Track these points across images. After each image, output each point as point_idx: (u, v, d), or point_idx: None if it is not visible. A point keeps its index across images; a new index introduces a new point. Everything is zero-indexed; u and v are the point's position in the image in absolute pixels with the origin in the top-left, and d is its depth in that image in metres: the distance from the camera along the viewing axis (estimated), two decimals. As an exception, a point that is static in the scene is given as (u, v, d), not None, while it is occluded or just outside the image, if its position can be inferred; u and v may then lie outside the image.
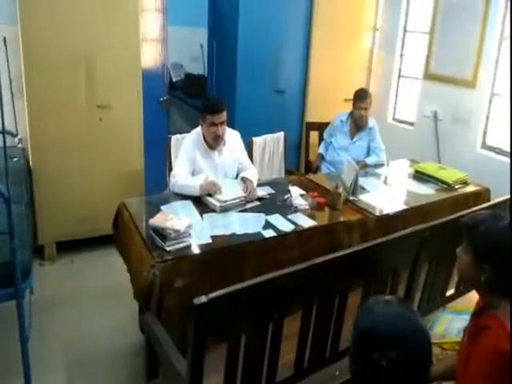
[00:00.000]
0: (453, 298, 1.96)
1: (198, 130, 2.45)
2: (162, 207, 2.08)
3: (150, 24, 3.23)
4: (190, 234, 1.80)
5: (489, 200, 2.70)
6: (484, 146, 3.38)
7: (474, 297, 1.38)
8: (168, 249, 1.72)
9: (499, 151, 3.26)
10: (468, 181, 2.79)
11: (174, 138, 2.70)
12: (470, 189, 2.75)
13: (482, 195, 2.73)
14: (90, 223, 2.90)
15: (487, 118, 3.35)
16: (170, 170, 2.66)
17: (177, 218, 1.82)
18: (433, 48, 3.61)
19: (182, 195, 2.25)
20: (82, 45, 2.66)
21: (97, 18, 2.67)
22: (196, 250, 1.79)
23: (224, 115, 2.34)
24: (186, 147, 2.41)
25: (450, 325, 1.64)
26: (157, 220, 1.78)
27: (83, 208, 2.88)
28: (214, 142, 2.40)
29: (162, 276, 1.62)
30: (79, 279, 2.73)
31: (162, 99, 3.32)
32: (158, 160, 2.96)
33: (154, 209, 2.02)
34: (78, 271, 2.82)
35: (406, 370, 0.90)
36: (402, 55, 4.05)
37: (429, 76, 3.68)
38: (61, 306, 2.46)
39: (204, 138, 2.41)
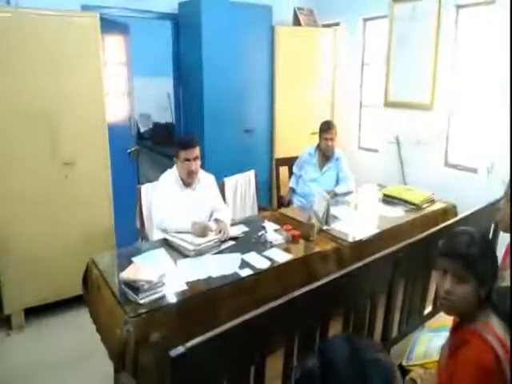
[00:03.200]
0: (431, 315, 1.96)
1: (173, 169, 2.50)
2: (134, 259, 2.04)
3: (115, 77, 3.28)
4: (164, 284, 1.76)
5: (456, 215, 2.79)
6: (446, 164, 3.52)
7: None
8: (141, 301, 1.66)
9: (462, 168, 3.39)
10: (434, 199, 2.88)
11: (143, 187, 2.70)
12: (437, 206, 2.83)
13: (448, 211, 2.82)
14: (60, 285, 2.77)
15: (447, 137, 3.51)
16: (142, 220, 2.64)
17: (149, 268, 1.78)
18: (390, 76, 3.80)
19: (158, 243, 2.25)
20: (43, 101, 2.62)
21: (58, 73, 2.65)
22: (171, 299, 1.74)
23: (197, 151, 2.42)
24: (164, 184, 2.46)
25: (429, 344, 1.63)
26: (128, 273, 1.73)
27: (51, 270, 2.77)
28: (188, 178, 2.44)
29: (136, 331, 1.56)
30: (49, 345, 2.56)
31: (130, 150, 3.34)
32: (129, 212, 2.93)
33: (125, 261, 1.98)
34: (49, 337, 2.65)
35: None
36: (361, 87, 4.26)
37: (388, 103, 3.86)
38: (31, 376, 2.30)
39: (179, 175, 2.46)
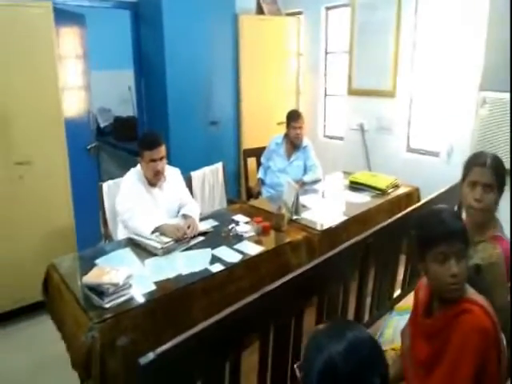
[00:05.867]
0: (400, 298, 2.00)
1: (138, 168, 2.39)
2: (98, 261, 1.94)
3: (71, 71, 3.12)
4: (130, 285, 1.68)
5: (419, 198, 2.87)
6: (409, 149, 3.60)
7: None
8: (107, 306, 1.58)
9: (423, 152, 3.48)
10: (399, 184, 2.94)
11: (105, 184, 2.58)
12: (402, 191, 2.90)
13: (412, 195, 2.89)
14: (18, 292, 2.62)
15: (409, 123, 3.58)
16: (104, 219, 2.53)
17: (115, 270, 1.69)
18: (353, 65, 3.82)
19: (123, 243, 2.16)
20: None
21: (9, 68, 2.50)
22: (139, 301, 1.67)
23: (163, 150, 2.32)
24: (129, 182, 2.34)
25: (396, 328, 1.66)
26: (91, 276, 1.64)
27: (8, 276, 2.61)
28: (154, 179, 2.35)
29: (102, 338, 1.48)
30: (9, 357, 2.39)
31: (89, 147, 3.19)
32: (90, 211, 2.80)
33: (88, 264, 1.87)
34: (8, 347, 2.47)
35: None
36: (325, 75, 4.27)
37: (352, 91, 3.90)
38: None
39: (144, 175, 2.35)
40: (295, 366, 0.97)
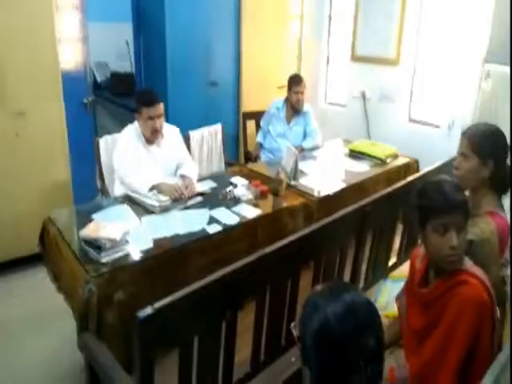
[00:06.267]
0: (394, 267, 2.04)
1: (135, 124, 2.36)
2: (95, 215, 1.93)
3: (68, 22, 2.98)
4: (127, 241, 1.68)
5: (418, 170, 2.86)
6: (410, 119, 3.55)
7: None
8: (104, 260, 1.58)
9: (424, 123, 3.44)
10: (398, 154, 2.92)
11: (102, 140, 2.53)
12: (401, 161, 2.89)
13: (411, 166, 2.88)
14: (17, 244, 2.63)
15: (411, 93, 3.52)
16: (101, 174, 2.49)
17: (112, 225, 1.69)
18: (357, 31, 3.71)
19: (120, 199, 2.15)
20: None
21: (4, 14, 2.39)
22: (136, 257, 1.67)
23: (161, 107, 2.29)
24: (126, 138, 2.31)
25: (390, 295, 1.69)
26: (89, 231, 1.63)
27: (6, 229, 2.61)
28: (152, 136, 2.32)
29: (99, 291, 1.49)
30: (7, 305, 2.45)
31: (86, 101, 3.09)
32: (86, 166, 2.76)
33: (85, 219, 1.86)
34: (6, 296, 2.52)
35: (373, 352, 0.87)
36: (328, 41, 4.14)
37: (355, 58, 3.79)
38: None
39: (142, 132, 2.32)
40: (291, 325, 0.98)
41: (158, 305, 1.12)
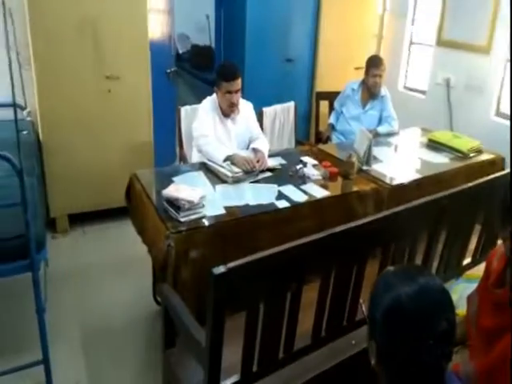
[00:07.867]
0: (469, 267, 1.95)
1: (214, 97, 2.44)
2: (174, 178, 2.05)
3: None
4: (203, 205, 1.78)
5: (503, 169, 2.65)
6: (498, 113, 3.29)
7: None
8: (182, 220, 1.69)
9: (514, 118, 3.17)
10: (482, 149, 2.72)
11: (183, 109, 2.65)
12: (485, 157, 2.69)
13: (496, 164, 2.67)
14: (101, 195, 2.89)
15: (502, 84, 3.24)
16: (181, 142, 2.62)
17: (190, 188, 1.79)
18: (446, 13, 3.47)
19: (196, 166, 2.26)
20: (88, 13, 2.59)
21: None
22: (210, 221, 1.77)
23: (239, 83, 2.34)
24: (205, 110, 2.41)
25: (462, 295, 1.62)
26: (170, 191, 1.75)
27: (93, 180, 2.87)
28: (228, 110, 2.40)
29: (177, 247, 1.61)
30: (92, 251, 2.74)
31: (169, 71, 3.24)
32: (167, 132, 2.92)
33: (165, 180, 1.99)
34: (91, 243, 2.83)
35: (444, 333, 0.87)
36: (413, 21, 3.89)
37: (441, 42, 3.56)
38: (75, 279, 2.48)
39: (219, 105, 2.40)
40: (360, 301, 0.99)
41: (231, 265, 1.18)
